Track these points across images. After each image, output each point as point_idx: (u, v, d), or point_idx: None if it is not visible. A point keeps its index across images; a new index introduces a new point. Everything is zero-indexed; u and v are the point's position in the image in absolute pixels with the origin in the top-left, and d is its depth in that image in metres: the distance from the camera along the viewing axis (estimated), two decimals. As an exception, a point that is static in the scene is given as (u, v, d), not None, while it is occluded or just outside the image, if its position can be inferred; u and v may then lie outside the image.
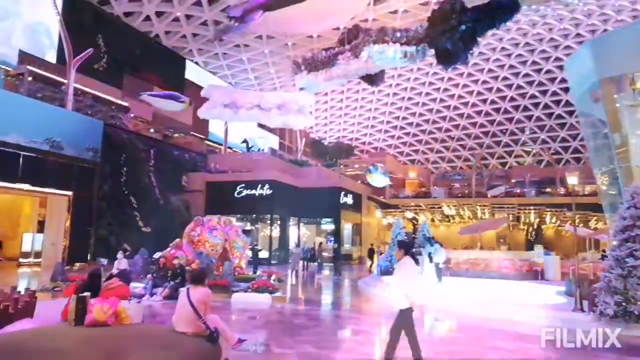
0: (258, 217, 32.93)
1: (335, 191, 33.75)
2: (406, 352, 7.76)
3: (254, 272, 17.72)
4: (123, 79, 33.07)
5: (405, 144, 61.99)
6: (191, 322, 5.41)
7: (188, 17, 36.75)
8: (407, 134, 60.74)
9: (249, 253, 19.89)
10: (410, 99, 54.70)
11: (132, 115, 32.60)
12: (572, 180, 29.43)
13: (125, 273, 7.09)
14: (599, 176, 15.55)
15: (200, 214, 24.79)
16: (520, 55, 45.63)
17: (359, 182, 38.72)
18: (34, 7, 28.26)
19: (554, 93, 48.95)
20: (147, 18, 35.78)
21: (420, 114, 57.27)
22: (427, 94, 53.59)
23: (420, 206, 42.09)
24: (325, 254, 28.67)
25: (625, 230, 9.17)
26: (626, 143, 14.17)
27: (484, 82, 50.60)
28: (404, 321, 5.88)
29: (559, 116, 51.22)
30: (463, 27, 12.97)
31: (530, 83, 49.45)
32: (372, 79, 16.42)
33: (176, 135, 36.72)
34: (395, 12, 35.89)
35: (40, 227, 25.50)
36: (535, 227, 39.63)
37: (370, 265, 25.54)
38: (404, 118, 58.33)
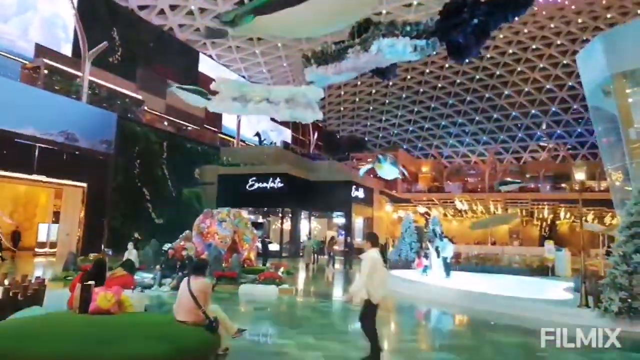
0: (269, 210, 33.13)
1: (347, 185, 33.75)
2: (413, 344, 7.84)
3: (264, 265, 17.89)
4: (137, 72, 33.39)
5: (419, 138, 61.70)
6: (191, 311, 5.53)
7: (202, 10, 36.98)
8: (421, 128, 60.43)
9: (259, 245, 20.09)
10: (424, 92, 54.39)
11: (145, 108, 32.92)
12: (580, 176, 29.01)
13: (129, 263, 7.24)
14: (610, 172, 15.37)
15: (213, 206, 25.02)
16: (537, 49, 45.08)
17: (371, 175, 38.65)
18: (50, 1, 28.69)
19: (571, 87, 48.27)
20: (161, 11, 36.09)
21: (435, 108, 56.91)
22: (442, 87, 53.23)
23: (433, 201, 41.93)
24: (336, 247, 28.76)
25: (632, 227, 9.09)
26: (638, 138, 13.99)
27: (500, 75, 50.09)
28: (369, 311, 6.02)
29: (576, 111, 50.52)
30: (475, 20, 12.89)
31: (547, 77, 48.82)
32: (384, 72, 16.40)
33: (189, 127, 36.99)
34: (410, 5, 35.65)
35: (56, 217, 26.00)
36: (549, 222, 39.27)
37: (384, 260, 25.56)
38: (418, 112, 58.03)
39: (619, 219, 15.48)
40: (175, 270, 12.65)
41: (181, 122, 36.70)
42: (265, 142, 42.68)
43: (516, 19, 16.10)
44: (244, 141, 42.92)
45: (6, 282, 7.09)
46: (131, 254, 12.95)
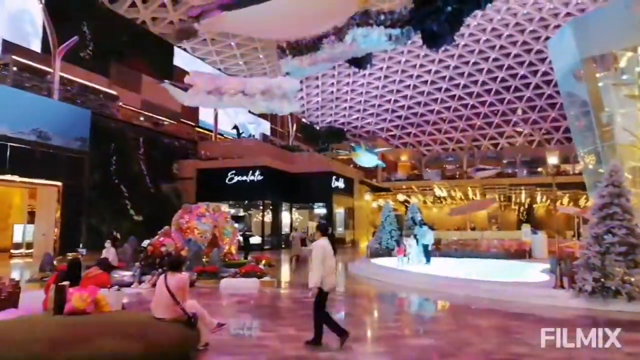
0: (250, 203, 33.06)
1: (327, 176, 33.84)
2: (393, 330, 7.93)
3: (245, 258, 17.84)
4: (110, 67, 32.73)
5: (397, 127, 62.01)
6: (169, 308, 5.50)
7: (175, 2, 36.36)
8: (399, 117, 60.72)
9: (240, 239, 20.02)
10: (401, 81, 54.59)
11: (120, 103, 32.36)
12: (553, 160, 29.72)
13: (105, 261, 7.15)
14: (583, 155, 15.69)
15: (192, 201, 24.88)
16: (510, 35, 45.54)
17: (351, 166, 38.80)
18: (16, -4, 27.88)
19: (545, 73, 48.98)
20: (133, 4, 35.39)
21: (412, 97, 57.21)
22: (418, 76, 53.49)
23: (412, 189, 42.30)
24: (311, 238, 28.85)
25: (604, 208, 9.31)
26: (610, 122, 14.30)
27: (475, 63, 50.52)
28: (320, 298, 6.26)
29: (550, 96, 51.30)
30: (449, 8, 12.95)
31: (521, 64, 49.43)
32: (360, 62, 16.39)
33: (166, 122, 36.51)
34: (384, -6, 35.65)
35: (31, 218, 25.48)
36: (527, 206, 39.98)
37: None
38: (396, 101, 58.27)
39: (592, 201, 15.85)
40: (155, 266, 12.54)
41: (157, 117, 36.18)
42: (243, 135, 42.40)
43: (489, 5, 16.24)
44: (222, 135, 42.57)
45: (-21, 285, 6.94)
46: (109, 252, 12.78)
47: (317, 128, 59.22)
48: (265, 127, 51.58)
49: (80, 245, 22.47)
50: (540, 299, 10.07)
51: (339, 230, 36.65)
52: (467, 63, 50.72)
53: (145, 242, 15.41)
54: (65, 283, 5.62)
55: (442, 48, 14.68)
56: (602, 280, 8.94)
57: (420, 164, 54.06)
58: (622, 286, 8.70)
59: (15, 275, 15.88)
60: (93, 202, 25.62)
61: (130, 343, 4.39)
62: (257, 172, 30.10)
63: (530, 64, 48.87)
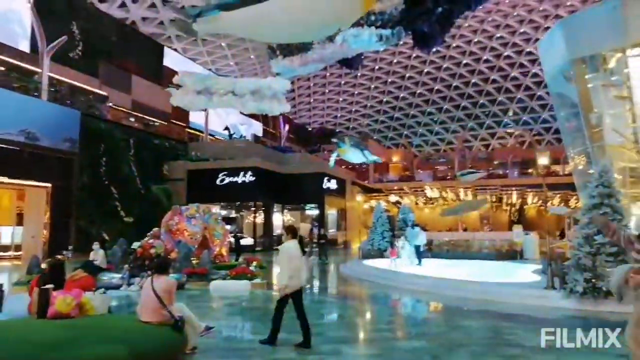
0: (241, 205, 32.90)
1: (319, 177, 33.76)
2: (385, 333, 7.87)
3: (236, 260, 17.72)
4: (100, 67, 32.44)
5: (389, 128, 62.12)
6: (156, 311, 5.39)
7: (165, 2, 36.18)
8: (391, 118, 60.84)
9: (232, 240, 19.89)
10: (393, 82, 54.69)
11: (110, 104, 32.09)
12: (543, 161, 29.92)
13: (90, 264, 7.03)
14: (572, 156, 15.74)
15: (182, 203, 24.69)
16: (501, 37, 45.80)
17: (342, 167, 38.75)
18: (4, -5, 27.55)
19: (535, 75, 49.28)
20: (123, 4, 35.20)
21: (403, 98, 57.34)
22: (410, 77, 53.62)
23: (404, 190, 42.34)
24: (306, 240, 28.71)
25: (594, 208, 9.31)
26: (600, 123, 14.36)
27: (466, 64, 50.74)
28: (294, 300, 6.42)
29: (540, 97, 51.64)
30: (439, 9, 12.95)
31: (512, 65, 49.72)
32: (350, 62, 16.35)
33: (156, 123, 36.27)
34: (375, -6, 35.63)
35: (20, 220, 25.16)
36: (518, 207, 40.16)
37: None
38: (387, 102, 58.37)
39: (582, 202, 15.91)
40: (144, 269, 12.39)
41: (148, 117, 35.93)
42: (234, 135, 42.22)
43: (479, 7, 16.26)
44: (213, 135, 42.37)
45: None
46: (97, 254, 12.62)
47: (309, 129, 59.14)
48: (257, 128, 51.39)
49: (69, 247, 22.22)
50: (531, 300, 10.06)
51: (331, 231, 36.56)
52: (458, 64, 50.93)
53: (135, 244, 15.25)
54: (49, 286, 5.51)
55: (433, 49, 14.67)
56: (593, 280, 8.94)
57: (412, 165, 54.13)
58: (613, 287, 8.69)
59: (2, 278, 15.67)
60: (82, 204, 25.36)
61: (114, 347, 4.28)
62: (249, 173, 29.95)
63: (521, 65, 49.17)
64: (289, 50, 15.03)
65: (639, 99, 13.41)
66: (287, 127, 51.34)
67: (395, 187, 43.36)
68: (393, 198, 42.45)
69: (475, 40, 46.39)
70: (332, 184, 35.35)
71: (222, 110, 40.16)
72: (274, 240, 31.86)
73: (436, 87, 54.79)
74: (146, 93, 35.65)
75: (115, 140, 28.32)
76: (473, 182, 37.76)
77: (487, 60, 49.66)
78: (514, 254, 20.94)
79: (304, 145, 51.38)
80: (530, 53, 46.35)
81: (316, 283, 16.09)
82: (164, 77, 35.62)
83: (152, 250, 13.03)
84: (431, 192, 40.63)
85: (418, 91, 55.69)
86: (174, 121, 38.81)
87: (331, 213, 37.20)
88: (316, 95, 57.78)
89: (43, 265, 13.39)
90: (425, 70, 52.32)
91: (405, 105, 58.51)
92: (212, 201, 29.50)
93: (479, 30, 44.90)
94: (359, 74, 51.46)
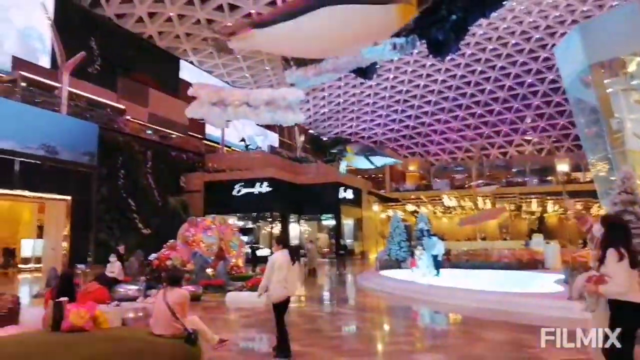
0: (258, 216, 32.94)
1: (335, 186, 33.68)
2: (403, 345, 7.72)
3: (253, 271, 17.68)
4: (117, 81, 32.98)
5: (404, 137, 61.83)
6: (168, 324, 5.34)
7: (181, 16, 36.70)
8: (407, 126, 60.57)
9: (248, 251, 19.87)
10: (408, 91, 54.49)
11: (127, 117, 32.53)
12: (563, 167, 29.45)
13: (104, 277, 7.03)
14: (593, 163, 15.42)
15: (199, 214, 24.81)
16: (516, 44, 45.38)
17: (359, 176, 38.63)
18: (25, 13, 28.23)
19: (552, 81, 48.66)
20: (140, 19, 35.73)
21: (419, 107, 57.08)
22: (425, 86, 53.39)
23: (421, 199, 41.98)
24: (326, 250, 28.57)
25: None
26: (620, 128, 14.06)
27: (482, 72, 50.35)
28: (279, 308, 6.45)
29: (558, 104, 50.94)
30: (453, 17, 12.86)
31: (528, 71, 49.20)
32: (365, 72, 16.32)
33: (173, 135, 36.65)
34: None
35: (40, 232, 25.54)
36: (538, 215, 39.48)
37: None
38: (403, 111, 58.16)
39: (604, 209, 15.54)
40: (161, 280, 12.40)
41: (165, 130, 36.33)
42: (250, 147, 42.42)
43: (493, 14, 16.09)
44: (229, 147, 42.63)
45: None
46: (114, 266, 12.66)
47: (324, 139, 59.19)
48: (273, 138, 51.64)
49: (88, 260, 22.43)
50: (553, 311, 9.77)
51: (348, 241, 36.38)
52: (474, 72, 50.57)
53: (152, 256, 15.32)
54: (64, 299, 5.50)
55: (448, 57, 14.57)
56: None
57: (429, 173, 53.74)
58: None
59: (23, 290, 15.86)
60: (101, 216, 25.65)
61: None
62: (265, 184, 30.03)
63: (538, 71, 48.62)
64: (302, 60, 15.08)
65: (661, 103, 13.10)
66: (302, 137, 51.44)
67: (412, 197, 43.03)
68: (410, 207, 42.10)
69: (490, 47, 46.05)
70: (349, 194, 35.22)
71: (238, 122, 40.40)
72: (291, 251, 31.76)
73: (452, 95, 54.44)
74: (163, 106, 36.09)
75: (132, 153, 28.66)
76: (490, 192, 37.37)
77: (502, 67, 49.22)
78: (534, 264, 20.51)
79: (320, 155, 51.36)
80: (546, 59, 45.78)
81: (334, 294, 15.95)
82: (180, 89, 36.04)
83: (169, 262, 13.07)
84: (449, 201, 40.20)
85: (433, 99, 55.39)
86: (191, 133, 39.17)
87: (347, 223, 37.03)
88: (331, 106, 57.83)
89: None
90: (441, 79, 52.05)
91: (421, 114, 58.23)
92: (229, 212, 29.61)
93: (494, 38, 44.56)
94: (374, 84, 51.40)
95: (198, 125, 38.66)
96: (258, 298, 6.67)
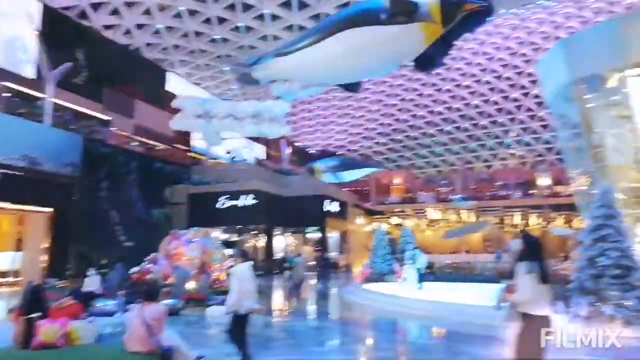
0: (243, 228, 32.70)
1: (320, 199, 33.64)
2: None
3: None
4: (103, 93, 32.71)
5: (390, 149, 62.15)
6: (144, 340, 5.23)
7: (169, 29, 36.66)
8: (392, 139, 60.92)
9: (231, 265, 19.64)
10: (394, 105, 54.89)
11: (113, 128, 32.25)
12: (544, 181, 29.88)
13: (78, 291, 6.89)
14: (575, 177, 15.60)
15: (184, 227, 24.54)
16: (502, 59, 46.04)
17: (344, 189, 38.66)
18: (10, 23, 27.96)
19: (536, 96, 49.32)
20: (128, 31, 35.62)
21: (405, 120, 57.49)
22: (411, 99, 53.83)
23: (406, 212, 42.11)
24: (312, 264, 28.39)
25: (597, 230, 9.12)
26: (602, 143, 14.27)
27: (467, 86, 50.93)
28: (238, 321, 6.45)
29: (541, 118, 51.65)
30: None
31: (513, 86, 49.87)
32: (351, 86, 16.38)
33: (158, 147, 36.39)
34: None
35: (19, 245, 25.02)
36: (521, 228, 39.76)
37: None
38: (389, 124, 58.51)
39: (585, 223, 15.69)
40: (141, 295, 12.20)
41: (150, 141, 36.07)
42: (236, 159, 42.26)
43: (479, 29, 16.30)
44: (215, 159, 42.42)
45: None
46: (92, 280, 12.44)
47: (311, 152, 59.30)
48: (260, 150, 51.52)
49: (67, 272, 22.03)
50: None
51: (333, 254, 36.26)
52: (459, 86, 51.14)
53: (134, 269, 15.07)
54: (35, 315, 5.37)
55: (434, 71, 14.70)
56: (598, 304, 8.70)
57: (414, 186, 53.99)
58: (617, 310, 8.46)
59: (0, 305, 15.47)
60: (83, 229, 25.23)
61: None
62: (250, 196, 29.88)
63: (522, 86, 49.33)
64: (288, 73, 15.10)
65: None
66: (289, 149, 51.43)
67: (397, 209, 43.14)
68: (395, 220, 42.17)
69: (476, 61, 46.66)
70: (334, 207, 35.21)
71: (224, 134, 40.27)
72: (276, 264, 31.58)
73: (437, 109, 54.93)
74: (149, 117, 35.84)
75: (116, 164, 28.35)
76: (470, 207, 37.68)
77: (487, 82, 49.85)
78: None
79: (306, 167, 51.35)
80: (530, 74, 46.44)
81: (316, 308, 15.83)
82: (167, 101, 35.84)
83: (149, 276, 12.88)
84: (433, 214, 40.37)
85: (419, 113, 55.82)
86: (177, 145, 38.94)
87: (332, 236, 36.93)
88: (318, 118, 57.99)
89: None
90: (426, 92, 52.53)
91: (407, 127, 58.63)
92: (213, 225, 29.37)
93: (479, 52, 45.18)
94: (361, 97, 51.70)
95: (184, 137, 38.48)
96: (226, 315, 6.62)
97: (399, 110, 55.78)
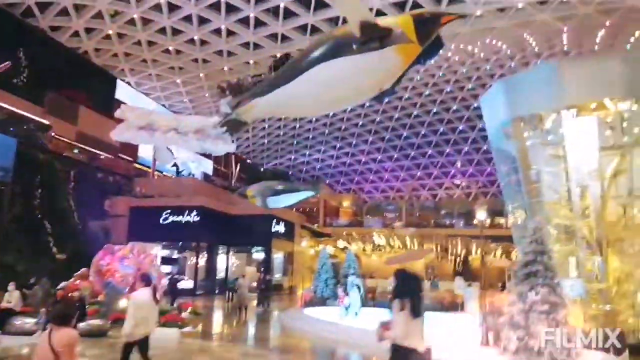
0: (185, 245, 31.79)
1: (267, 219, 33.22)
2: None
3: (172, 304, 16.81)
4: (46, 96, 31.25)
5: (341, 173, 62.72)
6: (51, 370, 4.80)
7: (120, 35, 35.67)
8: (343, 163, 61.56)
9: (165, 283, 18.93)
10: (346, 129, 55.59)
11: (52, 133, 30.78)
12: (481, 214, 30.97)
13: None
14: (512, 210, 16.14)
15: (122, 241, 23.55)
16: (450, 91, 47.70)
17: (293, 210, 38.43)
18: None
19: (482, 129, 51.31)
20: (76, 34, 34.39)
21: (356, 145, 58.30)
22: (362, 125, 54.71)
23: (353, 235, 42.33)
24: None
25: (527, 265, 9.39)
26: (537, 179, 14.85)
27: (417, 115, 52.33)
28: (140, 347, 6.69)
29: (486, 151, 53.67)
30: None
31: (460, 118, 51.71)
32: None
33: (102, 156, 35.02)
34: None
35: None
36: (462, 257, 40.78)
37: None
38: (340, 148, 59.15)
39: (520, 256, 16.21)
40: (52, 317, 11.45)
41: (94, 150, 34.66)
42: (183, 173, 41.32)
43: (430, 62, 16.75)
44: (161, 172, 41.28)
45: None
46: (12, 295, 11.60)
47: (261, 170, 58.87)
48: (208, 166, 50.64)
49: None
50: (467, 357, 9.91)
51: (277, 276, 35.80)
52: (409, 115, 52.46)
53: (62, 285, 14.21)
54: None
55: (386, 99, 14.94)
56: (526, 338, 8.89)
57: (362, 210, 54.52)
58: (544, 346, 8.67)
59: None
60: (11, 237, 23.70)
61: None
62: (194, 213, 29.13)
63: (469, 119, 51.22)
64: (239, 90, 14.89)
65: (573, 158, 13.98)
66: (238, 166, 50.90)
67: (344, 232, 43.31)
68: (341, 243, 42.25)
69: (426, 92, 48.13)
70: (281, 227, 34.91)
71: (173, 147, 39.35)
72: (217, 284, 30.80)
73: (387, 136, 56.09)
74: (94, 125, 34.44)
75: (53, 171, 26.95)
76: (409, 234, 38.52)
77: (436, 113, 51.47)
78: (455, 306, 20.96)
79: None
80: (477, 108, 48.35)
81: (253, 333, 15.44)
82: (114, 109, 34.57)
83: (77, 293, 12.15)
84: (379, 239, 40.77)
85: (370, 139, 56.82)
86: (122, 155, 37.63)
87: (278, 257, 36.53)
88: (271, 137, 57.82)
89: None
90: (377, 119, 53.57)
91: (358, 152, 59.50)
92: (155, 240, 28.43)
93: (430, 84, 46.66)
94: (313, 119, 52.03)
95: (130, 147, 37.24)
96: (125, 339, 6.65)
97: (352, 134, 56.56)
